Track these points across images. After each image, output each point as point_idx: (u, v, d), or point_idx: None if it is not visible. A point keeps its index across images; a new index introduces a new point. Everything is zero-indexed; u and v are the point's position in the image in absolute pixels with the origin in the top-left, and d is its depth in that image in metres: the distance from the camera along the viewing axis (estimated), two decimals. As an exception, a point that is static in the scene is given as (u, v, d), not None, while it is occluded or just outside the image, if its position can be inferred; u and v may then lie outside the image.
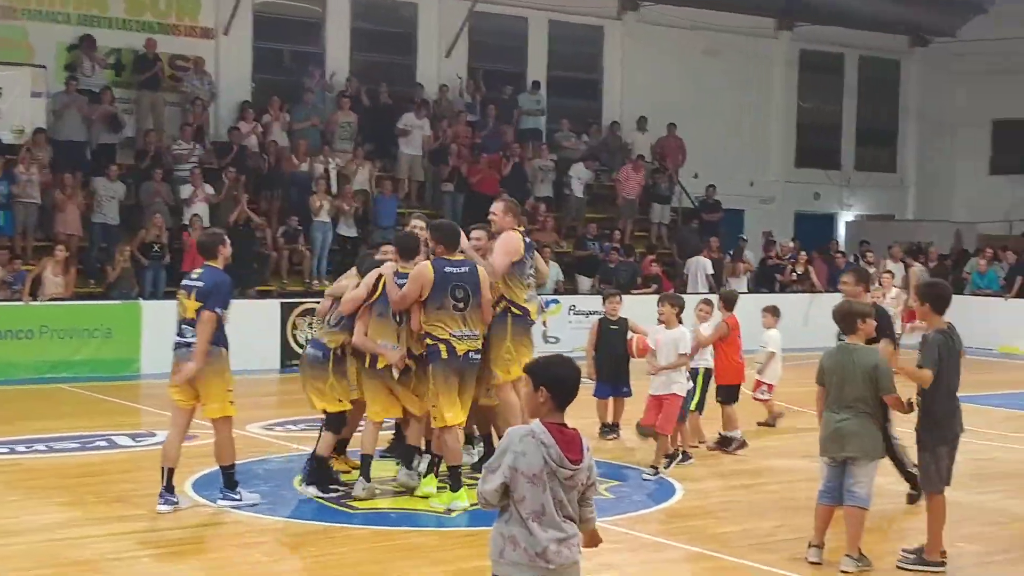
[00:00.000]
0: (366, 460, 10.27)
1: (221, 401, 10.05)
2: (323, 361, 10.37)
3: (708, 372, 13.03)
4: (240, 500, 9.98)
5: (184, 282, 10.41)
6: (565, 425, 4.71)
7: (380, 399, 10.26)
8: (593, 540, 5.00)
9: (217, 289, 10.00)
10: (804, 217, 30.88)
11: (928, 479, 8.13)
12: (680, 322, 12.23)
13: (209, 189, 21.47)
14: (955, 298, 9.22)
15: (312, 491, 10.24)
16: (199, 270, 10.21)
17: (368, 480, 10.16)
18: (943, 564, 8.17)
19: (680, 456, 11.55)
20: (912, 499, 9.69)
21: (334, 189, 22.52)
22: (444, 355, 9.68)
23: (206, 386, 10.04)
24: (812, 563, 8.42)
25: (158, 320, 18.11)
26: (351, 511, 9.94)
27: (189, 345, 9.95)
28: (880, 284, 19.11)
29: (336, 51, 25.60)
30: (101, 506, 9.57)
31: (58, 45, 22.15)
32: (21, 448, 12.64)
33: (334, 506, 10.09)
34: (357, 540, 9.29)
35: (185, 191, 21.29)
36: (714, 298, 14.82)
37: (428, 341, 9.91)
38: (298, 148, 23.18)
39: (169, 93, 23.15)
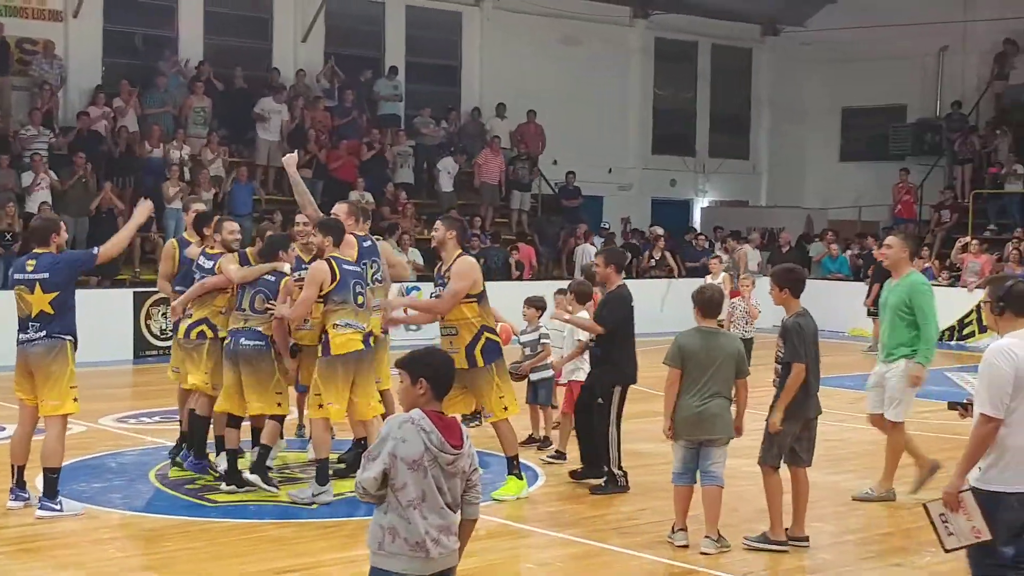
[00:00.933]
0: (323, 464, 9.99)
1: (61, 398, 9.73)
2: (267, 351, 10.10)
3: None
4: (61, 511, 9.56)
5: (18, 276, 10.07)
6: (443, 413, 4.87)
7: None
8: (468, 530, 5.10)
9: (69, 271, 9.83)
10: (661, 203, 31.22)
11: (765, 453, 8.32)
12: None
13: (53, 175, 20.86)
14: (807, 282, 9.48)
15: (255, 479, 9.98)
16: (32, 261, 9.88)
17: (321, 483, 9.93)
18: (785, 543, 8.38)
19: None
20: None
21: (188, 176, 22.14)
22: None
23: (46, 380, 9.74)
24: (679, 546, 8.54)
25: (9, 311, 18.08)
26: (209, 504, 9.85)
27: (34, 342, 9.69)
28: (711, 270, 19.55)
29: (190, 35, 25.20)
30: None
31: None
32: None
33: (191, 499, 9.94)
34: (214, 533, 9.25)
35: (27, 178, 20.72)
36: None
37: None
38: (151, 134, 22.91)
39: (17, 77, 22.58)
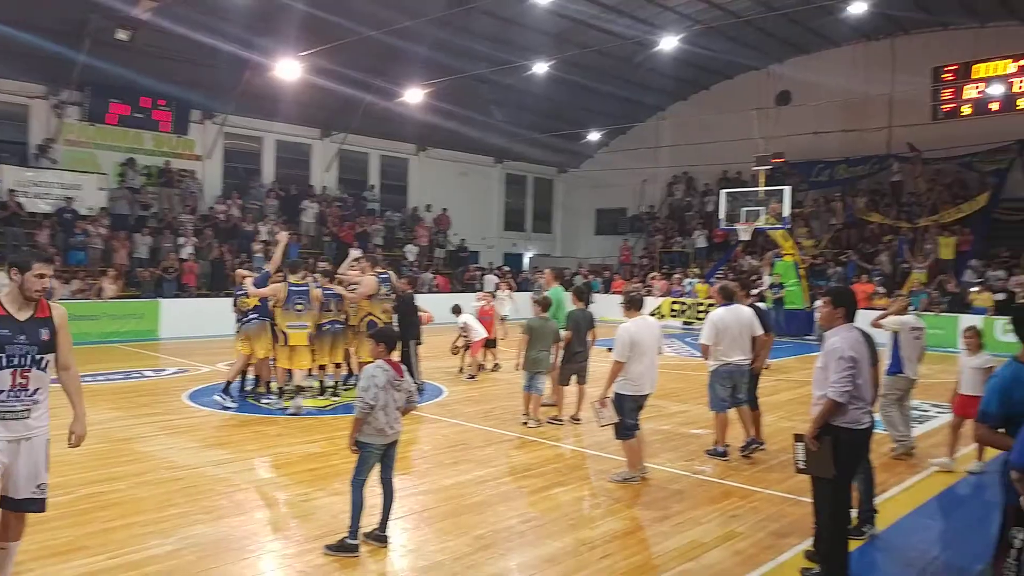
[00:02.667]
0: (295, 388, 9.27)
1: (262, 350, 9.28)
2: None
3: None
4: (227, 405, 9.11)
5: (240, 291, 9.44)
6: (392, 360, 4.97)
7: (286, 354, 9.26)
8: (407, 411, 5.06)
9: (262, 281, 9.20)
10: (509, 256, 31.24)
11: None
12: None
13: (195, 239, 20.38)
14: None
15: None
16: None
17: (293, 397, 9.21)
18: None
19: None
20: None
21: (267, 238, 21.17)
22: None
23: (257, 339, 9.29)
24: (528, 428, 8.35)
25: (176, 312, 17.71)
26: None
27: (251, 321, 9.33)
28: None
29: (267, 168, 24.81)
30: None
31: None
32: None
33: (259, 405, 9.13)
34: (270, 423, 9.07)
35: (180, 241, 20.22)
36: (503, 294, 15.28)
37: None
38: (247, 218, 22.42)
39: (175, 189, 22.17)
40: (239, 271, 10.89)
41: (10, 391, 3.83)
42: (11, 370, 3.83)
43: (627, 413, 6.45)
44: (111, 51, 18.59)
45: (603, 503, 6.12)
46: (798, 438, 4.66)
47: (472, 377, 12.40)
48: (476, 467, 7.10)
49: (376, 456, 5.01)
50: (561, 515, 5.76)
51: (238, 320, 9.95)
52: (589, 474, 6.98)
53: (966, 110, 22.78)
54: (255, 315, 9.53)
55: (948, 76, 22.99)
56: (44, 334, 3.95)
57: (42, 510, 4.04)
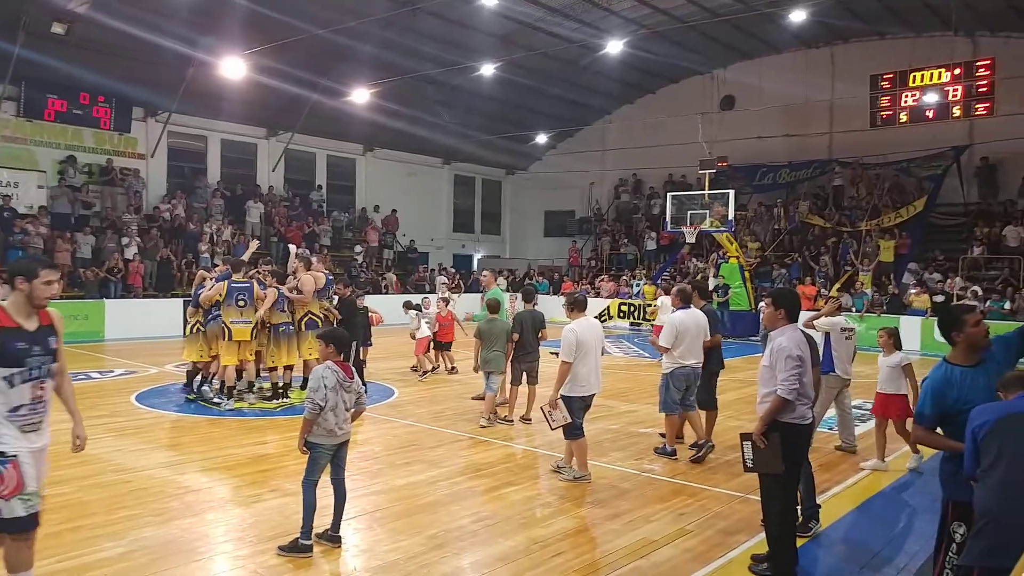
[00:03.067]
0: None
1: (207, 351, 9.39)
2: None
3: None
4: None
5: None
6: (341, 362, 4.98)
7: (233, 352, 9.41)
8: (357, 416, 5.13)
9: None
10: (458, 257, 31.25)
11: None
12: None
13: (139, 240, 19.99)
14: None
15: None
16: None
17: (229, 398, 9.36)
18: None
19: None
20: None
21: (214, 240, 21.38)
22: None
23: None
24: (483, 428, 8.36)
25: (129, 312, 17.83)
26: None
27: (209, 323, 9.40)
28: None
29: (213, 167, 24.41)
30: None
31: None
32: None
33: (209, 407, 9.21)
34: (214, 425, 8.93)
35: (125, 241, 19.85)
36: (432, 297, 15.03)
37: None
38: (192, 219, 21.94)
39: (119, 188, 21.64)
40: (201, 271, 10.74)
41: (30, 404, 3.72)
42: (31, 383, 3.71)
43: (575, 413, 6.50)
44: (47, 45, 18.03)
45: (554, 502, 6.17)
46: (745, 437, 4.77)
47: (423, 375, 12.44)
48: (428, 467, 7.12)
49: (327, 456, 5.00)
50: (513, 514, 5.81)
51: (195, 321, 9.80)
52: (540, 474, 7.03)
53: (903, 117, 23.57)
54: (218, 312, 9.50)
55: (886, 84, 23.76)
56: (52, 342, 3.87)
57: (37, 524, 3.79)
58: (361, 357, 12.32)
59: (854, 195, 25.18)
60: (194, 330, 9.70)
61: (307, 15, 18.16)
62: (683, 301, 7.51)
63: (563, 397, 6.46)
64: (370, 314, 12.58)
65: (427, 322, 13.07)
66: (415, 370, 12.76)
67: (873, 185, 24.72)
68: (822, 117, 25.35)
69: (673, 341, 7.21)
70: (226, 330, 9.34)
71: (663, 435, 7.84)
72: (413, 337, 12.95)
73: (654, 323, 15.49)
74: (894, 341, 7.31)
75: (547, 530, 5.48)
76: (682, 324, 7.23)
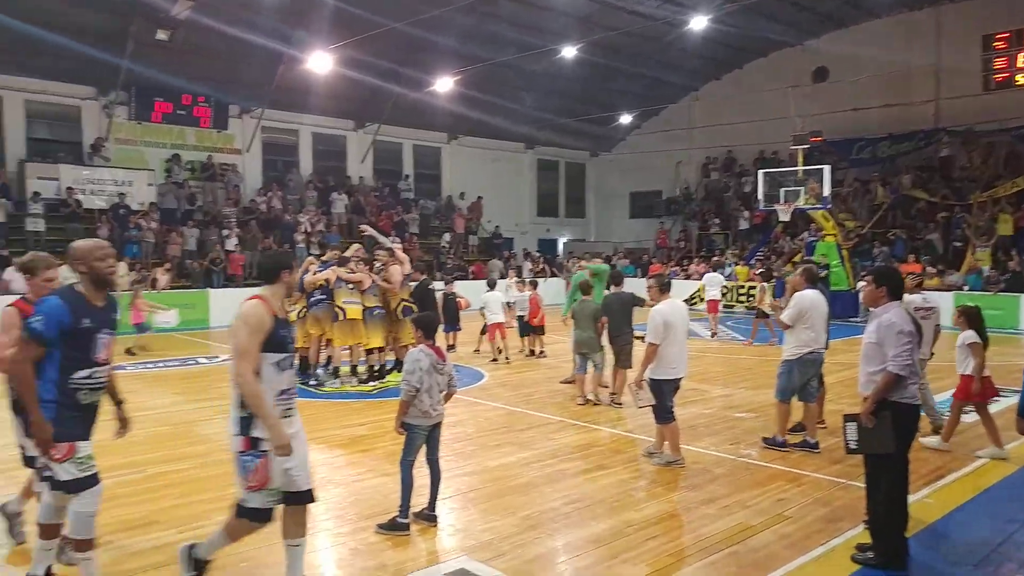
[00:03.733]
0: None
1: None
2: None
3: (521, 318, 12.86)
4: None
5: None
6: (434, 344, 5.10)
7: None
8: (448, 398, 5.20)
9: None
10: (543, 241, 31.43)
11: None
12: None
13: (238, 231, 21.06)
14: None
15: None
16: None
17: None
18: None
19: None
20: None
21: (309, 229, 22.49)
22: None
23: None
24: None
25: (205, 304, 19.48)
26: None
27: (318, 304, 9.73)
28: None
29: (305, 160, 25.10)
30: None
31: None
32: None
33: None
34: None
35: (225, 234, 21.02)
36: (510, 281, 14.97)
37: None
38: (287, 210, 22.72)
39: (218, 183, 22.64)
40: (308, 258, 11.04)
41: (288, 390, 3.95)
42: (289, 371, 3.94)
43: (665, 396, 6.41)
44: (153, 52, 19.16)
45: (647, 486, 6.11)
46: (849, 418, 4.59)
47: (494, 360, 12.32)
48: (519, 449, 7.15)
49: (422, 437, 5.09)
50: (605, 497, 5.77)
51: (301, 307, 10.04)
52: (632, 458, 6.94)
53: (1020, 79, 21.95)
54: (322, 295, 9.78)
55: (1000, 44, 22.17)
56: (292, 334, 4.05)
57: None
58: (451, 342, 12.82)
59: (965, 165, 23.66)
60: (300, 315, 9.92)
61: (390, 7, 18.47)
62: (809, 281, 7.00)
63: (651, 380, 6.40)
64: (458, 299, 12.76)
65: (513, 303, 12.94)
66: (495, 360, 12.42)
67: (988, 154, 23.15)
68: (926, 84, 24.00)
69: (796, 318, 6.74)
70: (340, 311, 9.63)
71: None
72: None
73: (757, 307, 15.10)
74: (965, 319, 6.94)
75: (640, 513, 5.43)
76: (812, 304, 6.75)
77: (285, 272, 3.93)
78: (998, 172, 22.42)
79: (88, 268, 3.80)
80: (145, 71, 19.61)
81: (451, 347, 13.16)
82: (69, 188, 19.74)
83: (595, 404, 8.84)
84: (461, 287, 14.68)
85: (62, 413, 3.67)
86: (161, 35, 18.60)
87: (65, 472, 3.66)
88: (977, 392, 6.78)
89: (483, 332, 13.04)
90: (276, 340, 3.82)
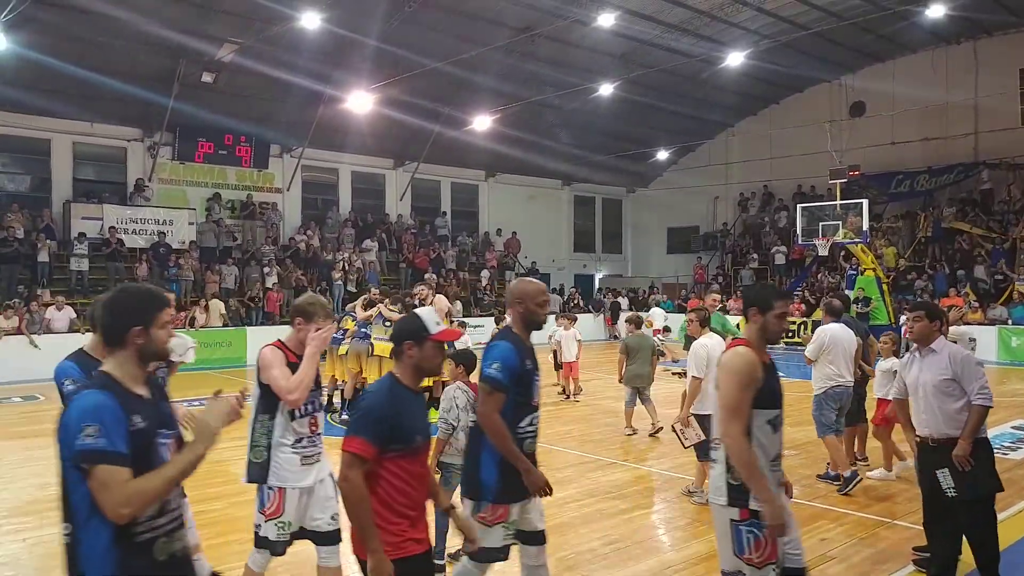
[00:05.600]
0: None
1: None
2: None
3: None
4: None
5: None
6: (470, 383, 4.91)
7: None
8: None
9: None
10: (579, 276, 31.17)
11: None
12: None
13: (279, 269, 21.32)
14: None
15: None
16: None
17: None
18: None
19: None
20: None
21: (345, 267, 22.46)
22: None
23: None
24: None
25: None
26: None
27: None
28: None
29: (344, 199, 25.38)
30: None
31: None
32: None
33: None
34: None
35: (266, 271, 21.09)
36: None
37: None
38: (326, 247, 23.01)
39: (258, 221, 22.83)
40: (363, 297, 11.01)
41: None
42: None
43: (708, 432, 6.35)
44: (197, 93, 19.67)
45: (686, 526, 5.98)
46: (937, 465, 4.22)
47: (568, 397, 12.13)
48: (557, 488, 6.81)
49: (458, 477, 4.99)
50: (644, 538, 5.67)
51: (334, 342, 10.10)
52: (671, 496, 6.84)
53: (1057, 112, 21.61)
54: (366, 331, 9.85)
55: (1038, 78, 21.86)
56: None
57: None
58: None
59: (1005, 199, 23.29)
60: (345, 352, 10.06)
61: (429, 47, 18.82)
62: (832, 315, 7.02)
63: (695, 415, 6.29)
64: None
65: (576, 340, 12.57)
66: (567, 396, 12.09)
67: (1027, 187, 22.79)
68: (965, 118, 23.69)
69: (817, 353, 6.74)
70: (370, 346, 9.62)
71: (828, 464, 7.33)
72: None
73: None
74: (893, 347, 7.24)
75: (679, 554, 5.32)
76: (833, 337, 6.72)
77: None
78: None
79: (526, 310, 3.63)
80: (189, 112, 20.07)
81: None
82: (112, 228, 20.00)
83: (635, 433, 9.00)
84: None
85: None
86: (206, 77, 19.11)
87: None
88: (891, 415, 6.67)
89: (558, 368, 12.75)
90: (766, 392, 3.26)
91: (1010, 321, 18.42)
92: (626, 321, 10.00)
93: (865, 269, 21.07)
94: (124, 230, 20.51)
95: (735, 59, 20.38)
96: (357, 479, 2.79)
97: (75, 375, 3.31)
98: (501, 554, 3.61)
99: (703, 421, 6.30)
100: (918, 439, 4.39)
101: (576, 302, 25.96)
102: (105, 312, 2.40)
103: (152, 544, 2.26)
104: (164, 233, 21.04)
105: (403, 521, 2.87)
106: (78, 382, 3.18)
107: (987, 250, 22.02)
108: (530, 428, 3.58)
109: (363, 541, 2.82)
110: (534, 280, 3.83)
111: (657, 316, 19.59)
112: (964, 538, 4.33)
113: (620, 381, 9.24)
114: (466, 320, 15.71)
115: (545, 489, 3.51)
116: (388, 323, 9.74)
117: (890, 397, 5.68)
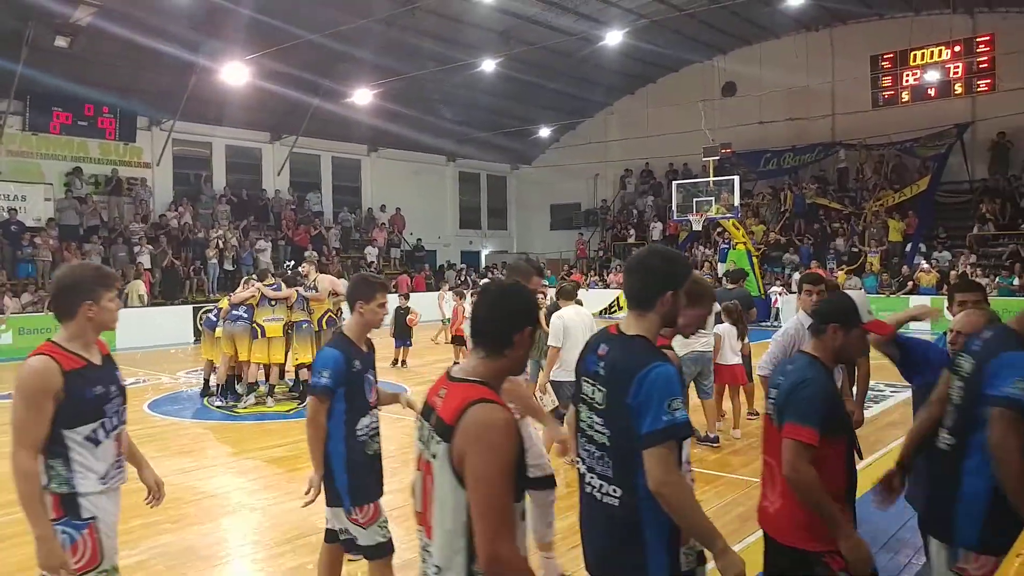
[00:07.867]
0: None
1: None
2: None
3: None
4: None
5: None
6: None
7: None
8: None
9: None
10: (466, 253, 31.32)
11: None
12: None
13: (149, 248, 20.27)
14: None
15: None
16: None
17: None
18: None
19: None
20: None
21: (220, 246, 22.01)
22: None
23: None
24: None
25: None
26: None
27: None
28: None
29: (218, 174, 24.46)
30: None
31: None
32: None
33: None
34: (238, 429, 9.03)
35: (135, 250, 20.66)
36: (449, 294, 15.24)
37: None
38: (199, 226, 22.18)
39: (126, 197, 21.85)
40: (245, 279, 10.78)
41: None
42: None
43: (565, 399, 6.29)
44: (51, 59, 18.14)
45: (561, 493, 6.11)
46: None
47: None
48: None
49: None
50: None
51: (209, 324, 10.04)
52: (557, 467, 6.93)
53: (905, 96, 23.34)
54: (245, 315, 9.57)
55: (886, 64, 23.57)
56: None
57: None
58: (401, 358, 12.55)
59: (858, 177, 25.01)
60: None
61: (307, 18, 18.15)
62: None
63: (552, 382, 6.42)
64: (408, 316, 12.47)
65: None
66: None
67: (879, 166, 24.56)
68: (824, 100, 25.20)
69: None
70: (259, 328, 9.42)
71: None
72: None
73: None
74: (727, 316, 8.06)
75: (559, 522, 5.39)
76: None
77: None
78: (885, 183, 23.68)
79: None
80: (42, 79, 18.51)
81: (402, 363, 12.80)
82: (-46, 203, 18.36)
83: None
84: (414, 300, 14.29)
85: None
86: (60, 42, 17.64)
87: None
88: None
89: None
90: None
91: (863, 290, 19.86)
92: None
93: (737, 243, 22.20)
94: (-32, 206, 18.82)
95: (614, 38, 20.78)
96: (810, 470, 2.66)
97: None
98: None
99: (559, 387, 6.41)
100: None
101: (466, 279, 25.95)
102: None
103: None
104: (15, 210, 19.57)
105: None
106: None
107: (844, 225, 23.59)
108: None
109: (832, 529, 2.69)
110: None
111: None
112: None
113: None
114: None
115: None
116: (274, 303, 9.47)
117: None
